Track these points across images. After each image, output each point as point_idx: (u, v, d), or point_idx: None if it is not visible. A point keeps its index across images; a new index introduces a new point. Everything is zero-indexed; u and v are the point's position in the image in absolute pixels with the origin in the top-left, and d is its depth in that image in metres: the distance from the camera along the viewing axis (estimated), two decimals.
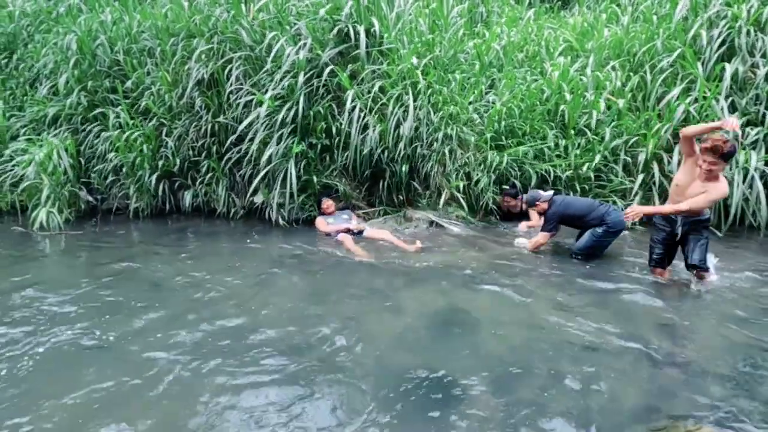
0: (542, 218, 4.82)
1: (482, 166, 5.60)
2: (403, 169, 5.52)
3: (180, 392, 2.53)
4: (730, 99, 5.40)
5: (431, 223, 5.51)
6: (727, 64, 5.41)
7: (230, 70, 5.87)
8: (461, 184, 5.54)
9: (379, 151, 5.58)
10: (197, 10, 6.25)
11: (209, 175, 6.23)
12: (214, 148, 6.21)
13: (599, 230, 4.51)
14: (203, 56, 6.04)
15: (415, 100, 5.44)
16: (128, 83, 6.48)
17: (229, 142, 5.94)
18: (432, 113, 5.53)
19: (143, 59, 6.62)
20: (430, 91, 5.53)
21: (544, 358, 2.83)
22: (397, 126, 5.49)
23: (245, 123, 5.66)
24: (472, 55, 6.28)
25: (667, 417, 2.33)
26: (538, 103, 5.92)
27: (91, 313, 3.46)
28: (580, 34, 6.80)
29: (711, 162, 3.51)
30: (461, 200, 5.52)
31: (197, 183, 6.31)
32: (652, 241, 4.15)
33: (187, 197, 6.29)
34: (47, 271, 4.65)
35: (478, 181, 5.58)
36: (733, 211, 5.05)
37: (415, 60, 5.55)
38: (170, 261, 4.71)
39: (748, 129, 5.26)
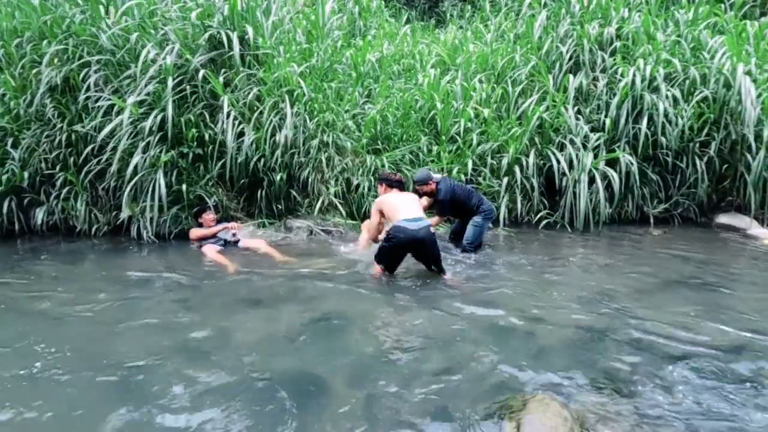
0: (423, 197, 4.85)
1: (361, 170, 5.68)
2: (281, 177, 5.43)
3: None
4: (577, 108, 6.05)
5: (311, 231, 5.46)
6: (571, 76, 6.07)
7: (87, 75, 5.41)
8: (340, 190, 5.57)
9: (255, 159, 5.44)
10: (48, 9, 5.71)
11: (66, 189, 5.64)
12: (72, 159, 5.63)
13: (478, 219, 4.71)
14: (56, 60, 5.52)
15: (291, 108, 5.40)
16: None
17: (87, 152, 5.44)
18: (308, 121, 5.53)
19: None
20: (306, 98, 5.53)
21: (409, 352, 2.92)
22: (273, 134, 5.41)
23: (106, 131, 5.22)
24: (349, 66, 6.41)
25: (512, 390, 2.49)
26: (412, 111, 6.18)
27: None
28: (450, 49, 7.25)
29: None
30: (339, 206, 5.54)
31: (51, 198, 5.68)
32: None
33: (39, 215, 5.63)
34: None
35: (358, 186, 5.65)
36: (582, 208, 5.62)
37: (294, 67, 5.52)
38: (19, 285, 4.15)
39: (591, 134, 5.91)
